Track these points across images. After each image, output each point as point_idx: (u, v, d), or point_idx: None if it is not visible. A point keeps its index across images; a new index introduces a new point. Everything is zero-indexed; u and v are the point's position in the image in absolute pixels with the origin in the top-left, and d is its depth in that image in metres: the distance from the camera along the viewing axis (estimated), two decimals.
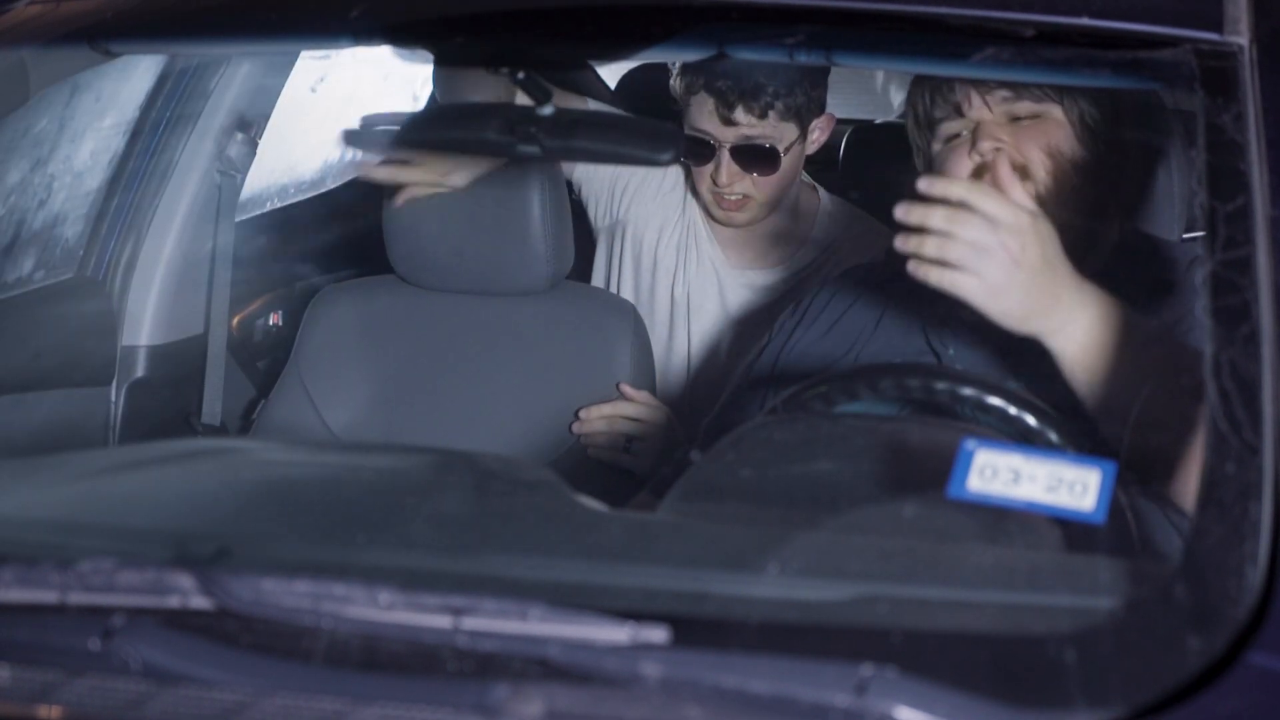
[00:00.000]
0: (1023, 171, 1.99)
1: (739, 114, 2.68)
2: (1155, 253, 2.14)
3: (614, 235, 2.96)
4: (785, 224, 2.85)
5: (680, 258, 2.89)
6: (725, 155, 2.73)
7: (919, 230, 1.67)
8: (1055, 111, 2.00)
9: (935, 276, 1.68)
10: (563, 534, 1.45)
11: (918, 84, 2.10)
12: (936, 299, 2.10)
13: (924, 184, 1.69)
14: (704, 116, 2.71)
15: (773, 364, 2.27)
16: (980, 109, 2.02)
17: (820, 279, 2.67)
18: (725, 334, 2.86)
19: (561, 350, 2.67)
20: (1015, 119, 2.01)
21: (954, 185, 1.69)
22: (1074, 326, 1.67)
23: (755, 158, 2.73)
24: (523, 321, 2.69)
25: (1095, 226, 2.03)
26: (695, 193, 2.86)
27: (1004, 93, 1.99)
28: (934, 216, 1.67)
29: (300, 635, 1.21)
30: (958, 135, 2.04)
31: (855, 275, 2.31)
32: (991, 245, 1.65)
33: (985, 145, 1.98)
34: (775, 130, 2.70)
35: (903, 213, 1.68)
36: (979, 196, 1.67)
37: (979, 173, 2.01)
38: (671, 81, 2.77)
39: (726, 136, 2.71)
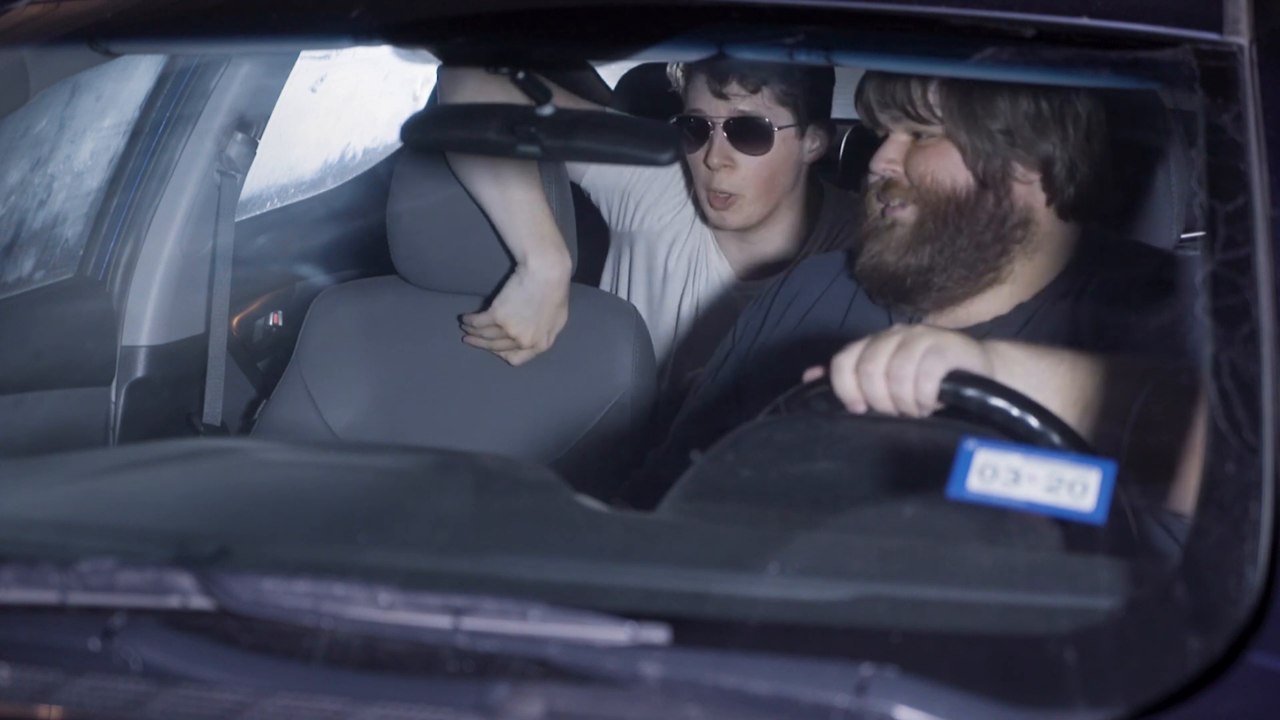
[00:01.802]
0: (905, 194, 2.04)
1: (732, 86, 2.68)
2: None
3: (624, 244, 2.97)
4: (791, 231, 2.84)
5: (691, 271, 2.88)
6: (718, 133, 2.72)
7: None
8: (944, 137, 2.05)
9: (922, 389, 1.63)
10: (563, 534, 1.45)
11: (856, 98, 2.14)
12: (903, 290, 2.12)
13: (811, 374, 1.70)
14: (699, 95, 2.73)
15: (743, 360, 2.27)
16: (884, 127, 2.10)
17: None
18: None
19: (563, 351, 2.67)
20: (917, 136, 2.05)
21: (840, 377, 1.65)
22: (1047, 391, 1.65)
23: (747, 133, 2.71)
24: None
25: (982, 248, 2.05)
26: (694, 196, 2.86)
27: (894, 112, 2.06)
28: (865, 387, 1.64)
29: (300, 635, 1.21)
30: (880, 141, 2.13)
31: (818, 266, 2.32)
32: (914, 356, 1.63)
33: (879, 165, 2.10)
34: (769, 110, 2.71)
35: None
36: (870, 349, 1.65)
37: (870, 189, 2.11)
38: (670, 69, 2.79)
39: (719, 111, 2.71)
